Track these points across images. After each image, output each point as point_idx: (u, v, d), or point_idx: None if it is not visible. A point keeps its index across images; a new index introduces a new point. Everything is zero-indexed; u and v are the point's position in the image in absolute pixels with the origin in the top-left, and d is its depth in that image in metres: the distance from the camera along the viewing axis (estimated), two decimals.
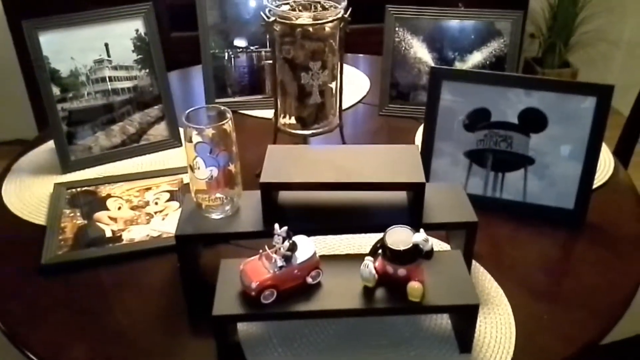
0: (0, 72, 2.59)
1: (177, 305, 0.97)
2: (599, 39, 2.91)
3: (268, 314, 0.82)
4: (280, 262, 0.82)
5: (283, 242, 0.82)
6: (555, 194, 1.12)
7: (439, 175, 1.18)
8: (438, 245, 1.06)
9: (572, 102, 1.09)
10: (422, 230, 0.82)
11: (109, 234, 1.10)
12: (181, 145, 1.35)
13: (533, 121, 1.11)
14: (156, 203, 1.18)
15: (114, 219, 1.14)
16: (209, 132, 0.91)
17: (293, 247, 0.82)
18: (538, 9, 2.88)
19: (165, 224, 1.12)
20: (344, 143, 1.29)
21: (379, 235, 0.84)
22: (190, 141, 0.90)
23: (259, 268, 0.83)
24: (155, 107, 1.35)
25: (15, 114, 2.63)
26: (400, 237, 0.82)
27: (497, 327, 0.91)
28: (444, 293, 0.83)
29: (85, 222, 1.13)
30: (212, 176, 0.91)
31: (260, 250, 0.84)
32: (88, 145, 1.30)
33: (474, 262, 1.01)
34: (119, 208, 1.17)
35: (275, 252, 0.83)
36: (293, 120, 1.24)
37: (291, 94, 1.20)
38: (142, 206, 1.17)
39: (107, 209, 1.16)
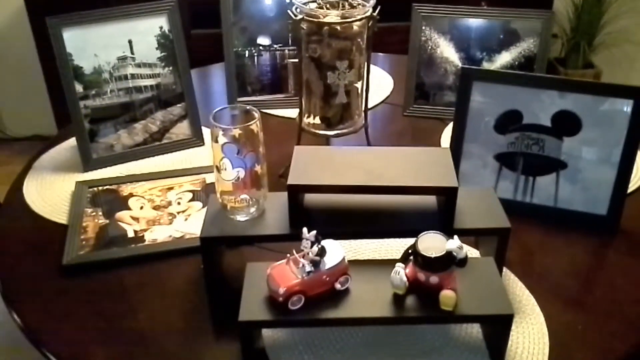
0: (21, 67, 2.60)
1: (200, 309, 0.95)
2: (623, 40, 2.86)
3: (295, 320, 0.80)
4: (308, 267, 0.79)
5: (311, 246, 0.80)
6: (588, 199, 1.09)
7: (468, 178, 1.15)
8: (468, 251, 1.03)
9: (608, 105, 1.05)
10: (455, 236, 0.79)
11: (131, 234, 1.08)
12: (203, 144, 1.33)
13: (566, 124, 1.08)
14: (179, 203, 1.16)
15: (136, 219, 1.12)
16: (236, 132, 0.89)
17: (322, 252, 0.80)
18: (562, 9, 2.83)
19: (188, 224, 1.10)
20: (368, 144, 1.27)
21: (408, 241, 0.82)
22: (217, 141, 0.88)
23: (286, 273, 0.80)
24: (178, 105, 1.33)
25: (35, 110, 2.63)
26: (433, 243, 0.80)
27: (530, 337, 0.88)
28: (477, 302, 0.81)
29: (107, 221, 1.12)
30: (238, 177, 0.89)
31: (288, 255, 0.82)
32: (110, 143, 1.29)
33: (504, 269, 0.98)
34: (141, 208, 1.15)
35: (303, 257, 0.80)
36: (317, 120, 1.22)
37: (316, 93, 1.18)
38: (164, 206, 1.15)
39: (129, 209, 1.15)
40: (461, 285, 0.81)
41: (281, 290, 0.79)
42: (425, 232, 0.81)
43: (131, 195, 1.18)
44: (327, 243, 0.82)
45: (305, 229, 0.80)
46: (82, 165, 1.27)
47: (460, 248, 0.78)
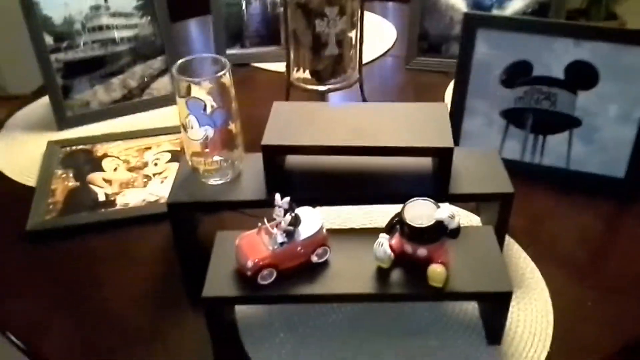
0: (6, 24, 2.48)
1: (171, 280, 0.86)
2: None
3: (266, 296, 0.71)
4: (280, 238, 0.70)
5: (285, 214, 0.71)
6: (604, 160, 0.98)
7: (471, 137, 1.05)
8: (467, 217, 0.93)
9: (630, 55, 0.93)
10: (447, 204, 0.70)
11: (102, 197, 1.00)
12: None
13: (582, 76, 0.96)
14: (155, 164, 1.07)
15: (109, 181, 1.04)
16: (205, 85, 0.79)
17: (296, 221, 0.71)
18: None
19: (164, 187, 1.01)
20: (364, 101, 1.16)
21: (399, 208, 0.72)
22: (182, 96, 0.78)
23: (256, 244, 0.72)
24: (159, 58, 1.23)
25: (22, 68, 2.53)
26: (421, 211, 0.70)
27: (532, 315, 0.79)
28: (471, 277, 0.71)
29: (78, 184, 1.03)
30: (207, 137, 0.80)
31: (259, 224, 0.73)
32: (86, 100, 1.20)
33: (507, 237, 0.89)
34: (115, 169, 1.06)
35: (276, 227, 0.71)
36: (308, 75, 1.11)
37: (305, 44, 1.07)
38: (140, 167, 1.07)
39: (103, 170, 1.06)
40: (454, 258, 0.72)
41: (249, 264, 0.70)
42: (413, 198, 0.71)
43: (105, 155, 1.10)
44: (303, 211, 0.73)
45: (278, 195, 0.71)
46: (56, 123, 1.19)
47: (452, 217, 0.68)
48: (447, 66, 1.31)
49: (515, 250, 0.89)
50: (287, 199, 0.71)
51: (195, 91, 0.79)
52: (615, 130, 0.97)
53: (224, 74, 0.79)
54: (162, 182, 1.03)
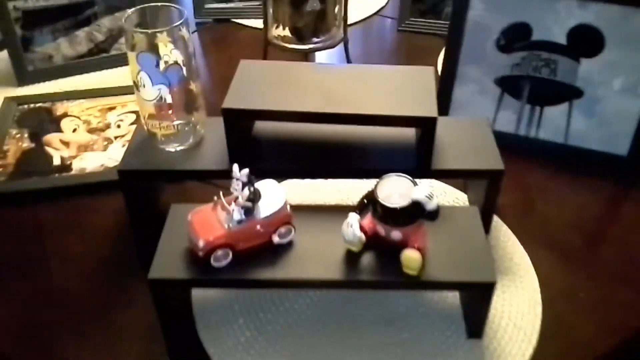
0: None
1: (126, 254, 0.79)
2: None
3: (220, 280, 0.63)
4: (238, 215, 0.62)
5: (243, 188, 0.62)
6: (606, 135, 0.89)
7: (462, 106, 0.96)
8: (453, 195, 0.85)
9: None
10: (426, 181, 0.61)
11: (57, 161, 0.92)
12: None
13: (586, 42, 0.87)
14: (118, 126, 0.98)
15: (67, 143, 0.95)
16: (161, 38, 0.70)
17: (255, 196, 0.63)
18: None
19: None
20: (348, 61, 1.07)
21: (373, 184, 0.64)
22: (133, 50, 0.69)
23: (210, 221, 0.63)
24: (129, 10, 1.13)
25: None
26: (396, 189, 0.62)
27: (519, 306, 0.71)
28: (451, 265, 0.63)
29: (33, 145, 0.95)
30: (162, 97, 0.71)
31: (215, 197, 0.65)
32: (48, 53, 1.10)
33: (495, 218, 0.81)
34: (74, 130, 0.98)
35: (234, 202, 0.63)
36: (288, 32, 1.02)
37: None
38: (101, 129, 0.98)
39: (61, 131, 0.98)
40: (433, 242, 0.64)
41: (201, 243, 0.62)
42: (387, 175, 0.63)
43: (65, 115, 1.01)
44: (264, 185, 0.65)
45: (235, 166, 0.62)
46: (16, 78, 1.10)
47: (430, 197, 0.60)
48: (442, 28, 1.22)
49: (503, 232, 0.81)
50: (246, 170, 0.62)
51: (143, 45, 0.70)
52: (619, 103, 0.88)
53: (181, 25, 0.69)
54: (123, 145, 0.94)
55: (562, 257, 0.78)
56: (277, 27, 1.02)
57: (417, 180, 0.62)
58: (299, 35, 1.01)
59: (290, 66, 0.79)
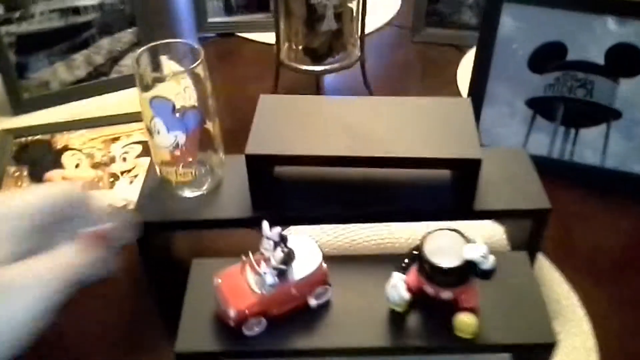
0: None
1: (145, 310, 0.73)
2: None
3: (252, 352, 0.57)
4: (271, 279, 0.56)
5: (275, 248, 0.56)
6: None
7: (490, 129, 0.90)
8: (490, 227, 0.80)
9: None
10: (479, 239, 0.56)
11: None
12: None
13: (625, 61, 0.82)
14: (124, 159, 0.92)
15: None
16: (175, 78, 0.63)
17: (289, 258, 0.57)
18: None
19: (133, 188, 0.87)
20: (365, 82, 1.01)
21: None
22: (146, 90, 0.63)
23: (241, 286, 0.58)
24: (129, 30, 1.06)
25: None
26: (445, 245, 0.56)
27: (571, 353, 0.66)
28: (505, 324, 0.58)
29: (33, 185, 0.88)
30: (177, 144, 0.65)
31: (243, 257, 0.59)
32: (45, 79, 1.04)
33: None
34: (77, 166, 0.91)
35: (264, 262, 0.57)
36: (300, 48, 0.96)
37: (298, 16, 0.91)
38: (105, 163, 0.92)
39: (62, 167, 0.91)
40: (483, 297, 0.58)
41: (232, 313, 0.56)
42: (434, 229, 0.57)
43: (66, 148, 0.94)
44: (297, 241, 0.59)
45: (265, 224, 0.56)
46: (11, 107, 1.03)
47: (485, 257, 0.54)
48: (459, 39, 1.16)
49: (546, 270, 0.75)
50: (278, 229, 0.56)
51: (162, 86, 0.64)
52: None
53: (199, 65, 0.63)
54: (131, 182, 0.88)
55: (615, 293, 0.73)
56: (289, 45, 0.96)
57: (468, 235, 0.56)
58: (313, 55, 0.95)
59: (313, 101, 0.73)
